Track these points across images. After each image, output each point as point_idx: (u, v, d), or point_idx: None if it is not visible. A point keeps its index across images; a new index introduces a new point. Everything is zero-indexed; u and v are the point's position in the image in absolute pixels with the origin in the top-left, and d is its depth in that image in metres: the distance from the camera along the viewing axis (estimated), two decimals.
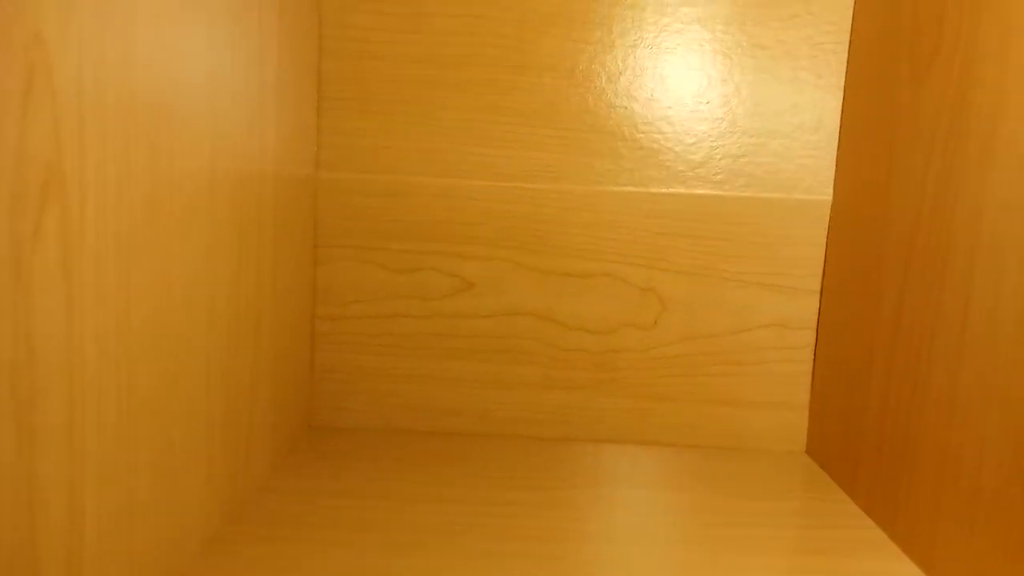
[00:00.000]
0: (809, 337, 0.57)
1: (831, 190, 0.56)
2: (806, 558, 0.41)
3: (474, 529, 0.42)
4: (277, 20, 0.44)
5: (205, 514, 0.38)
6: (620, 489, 0.49)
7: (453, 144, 0.55)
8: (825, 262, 0.56)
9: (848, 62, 0.54)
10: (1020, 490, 0.33)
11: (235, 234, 0.40)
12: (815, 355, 0.57)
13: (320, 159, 0.55)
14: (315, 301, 0.56)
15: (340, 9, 0.54)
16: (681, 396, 0.58)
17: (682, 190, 0.56)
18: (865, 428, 0.48)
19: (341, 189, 0.55)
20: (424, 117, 0.55)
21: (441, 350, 0.57)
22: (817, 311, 0.57)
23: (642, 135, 0.55)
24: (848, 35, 0.54)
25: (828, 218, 0.56)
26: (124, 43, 0.28)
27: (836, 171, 0.55)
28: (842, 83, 0.54)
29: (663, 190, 0.56)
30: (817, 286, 0.57)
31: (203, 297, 0.36)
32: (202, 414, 0.37)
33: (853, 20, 0.54)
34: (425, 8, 0.54)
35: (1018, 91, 0.35)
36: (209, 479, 0.38)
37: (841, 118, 0.55)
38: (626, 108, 0.55)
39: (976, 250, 0.37)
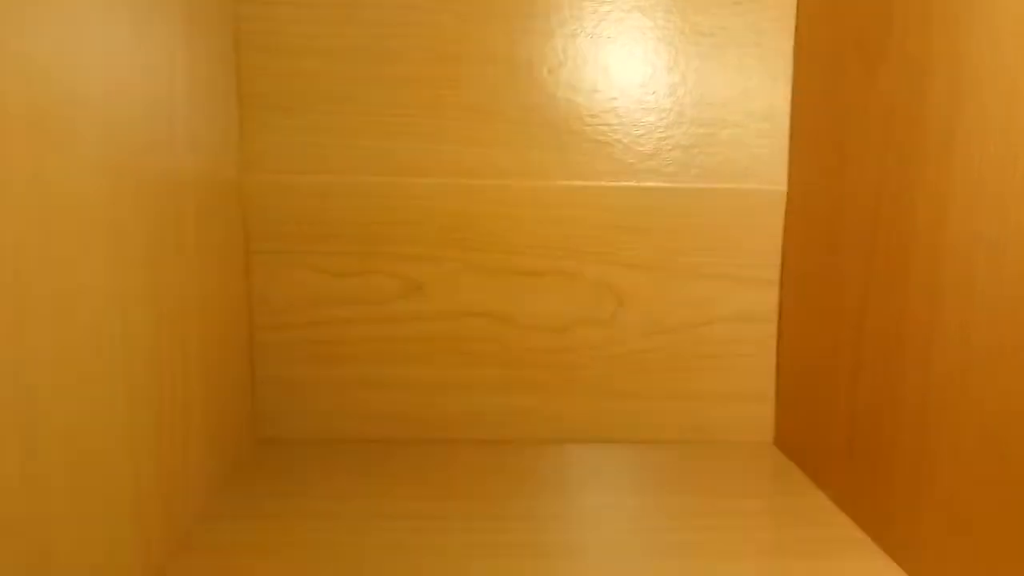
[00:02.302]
0: (771, 329, 0.56)
1: (785, 179, 0.54)
2: (780, 561, 0.39)
3: (436, 548, 0.40)
4: (184, 14, 0.42)
5: (140, 548, 0.36)
6: (586, 495, 0.47)
7: (390, 141, 0.53)
8: (783, 253, 0.55)
9: (795, 50, 0.53)
10: (998, 494, 0.32)
11: (149, 247, 0.37)
12: (778, 347, 0.56)
13: (247, 160, 0.53)
14: (251, 311, 0.54)
15: (259, 2, 0.51)
16: (643, 392, 0.56)
17: (633, 183, 0.54)
18: (834, 421, 0.47)
19: (271, 191, 0.53)
20: (358, 114, 0.53)
21: (391, 355, 0.55)
22: (778, 302, 0.55)
23: (588, 127, 0.53)
24: (793, 22, 0.53)
25: (784, 208, 0.55)
26: None
27: (790, 160, 0.54)
28: (790, 71, 0.54)
29: (613, 183, 0.54)
30: (776, 277, 0.55)
31: (115, 318, 0.34)
32: (123, 441, 0.34)
33: (798, 8, 0.53)
34: (353, 0, 0.52)
35: (972, 89, 0.34)
36: (138, 510, 0.36)
37: (792, 106, 0.54)
38: (570, 100, 0.53)
39: (942, 245, 0.36)
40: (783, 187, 0.54)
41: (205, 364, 0.44)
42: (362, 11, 0.52)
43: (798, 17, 0.53)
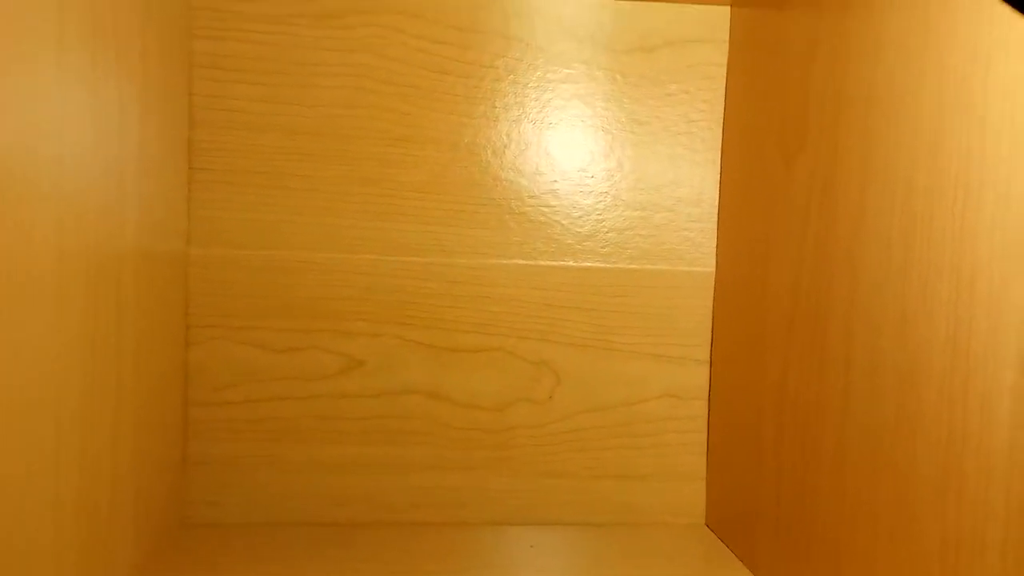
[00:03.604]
0: (702, 407, 0.57)
1: (714, 262, 0.57)
2: None
3: None
4: (139, 89, 0.42)
5: None
6: None
7: (336, 217, 0.54)
8: (712, 332, 0.57)
9: (723, 140, 0.57)
10: (912, 556, 0.33)
11: (88, 318, 0.36)
12: (709, 425, 0.57)
13: (192, 234, 0.52)
14: (187, 385, 0.53)
15: (213, 79, 0.52)
16: (578, 472, 0.56)
17: (571, 263, 0.56)
18: (761, 499, 0.48)
19: (215, 265, 0.53)
20: (304, 190, 0.53)
21: (327, 434, 0.54)
22: (708, 381, 0.57)
23: (529, 208, 0.55)
24: (722, 112, 0.57)
25: (712, 289, 0.57)
26: None
27: (718, 243, 0.57)
28: (718, 159, 0.57)
29: (552, 263, 0.56)
30: (706, 356, 0.57)
31: (48, 390, 0.33)
32: (47, 521, 0.33)
33: (725, 101, 0.56)
34: (305, 80, 0.53)
35: (878, 175, 0.37)
36: None
37: (720, 192, 0.57)
38: (512, 181, 0.55)
39: (853, 320, 0.38)
40: (712, 269, 0.57)
41: (136, 439, 0.43)
42: (315, 91, 0.53)
43: (725, 109, 0.56)
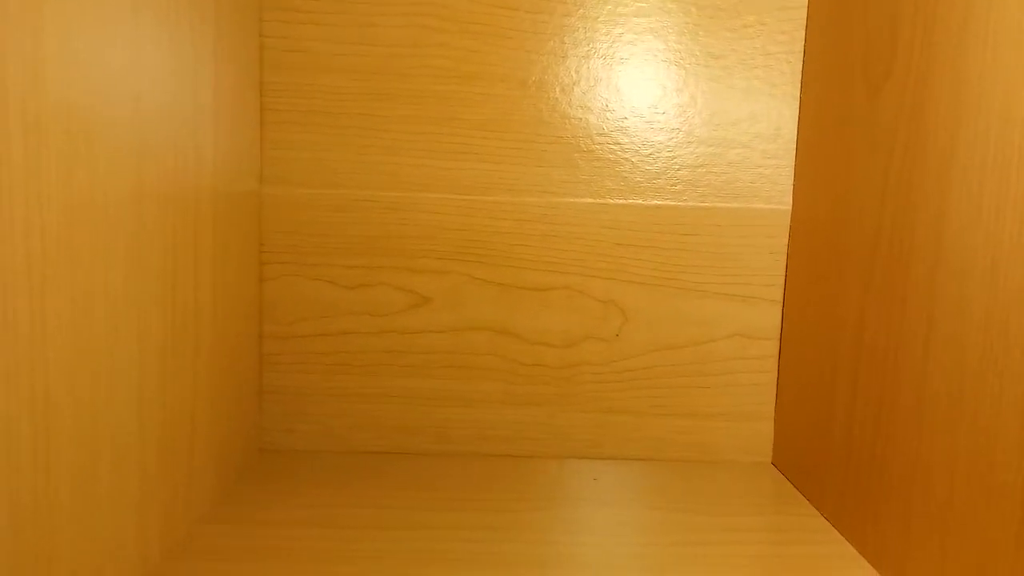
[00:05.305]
0: (772, 347, 0.56)
1: (790, 199, 0.55)
2: None
3: (435, 558, 0.40)
4: (213, 32, 0.43)
5: (140, 551, 0.36)
6: (585, 509, 0.48)
7: (404, 157, 0.54)
8: (786, 272, 0.56)
9: (803, 72, 0.54)
10: (990, 504, 0.32)
11: (168, 253, 0.38)
12: (779, 365, 0.56)
13: (264, 173, 0.53)
14: (262, 319, 0.54)
15: (282, 21, 0.52)
16: (645, 409, 0.56)
17: (640, 201, 0.55)
18: (831, 439, 0.47)
19: (287, 204, 0.54)
20: (373, 129, 0.54)
21: (396, 367, 0.55)
22: (780, 321, 0.56)
23: (598, 146, 0.54)
24: (801, 45, 0.54)
25: (788, 227, 0.55)
26: (28, 55, 0.26)
27: (795, 180, 0.55)
28: (797, 92, 0.54)
29: (621, 201, 0.55)
30: (779, 296, 0.56)
31: (132, 321, 0.34)
32: (133, 445, 0.35)
33: (806, 31, 0.54)
34: (371, 19, 0.53)
35: (971, 108, 0.35)
36: (141, 513, 0.36)
37: (798, 127, 0.55)
38: (581, 119, 0.54)
39: (939, 262, 0.36)
40: (788, 207, 0.55)
41: (215, 371, 0.45)
42: (380, 30, 0.53)
43: (806, 40, 0.54)
